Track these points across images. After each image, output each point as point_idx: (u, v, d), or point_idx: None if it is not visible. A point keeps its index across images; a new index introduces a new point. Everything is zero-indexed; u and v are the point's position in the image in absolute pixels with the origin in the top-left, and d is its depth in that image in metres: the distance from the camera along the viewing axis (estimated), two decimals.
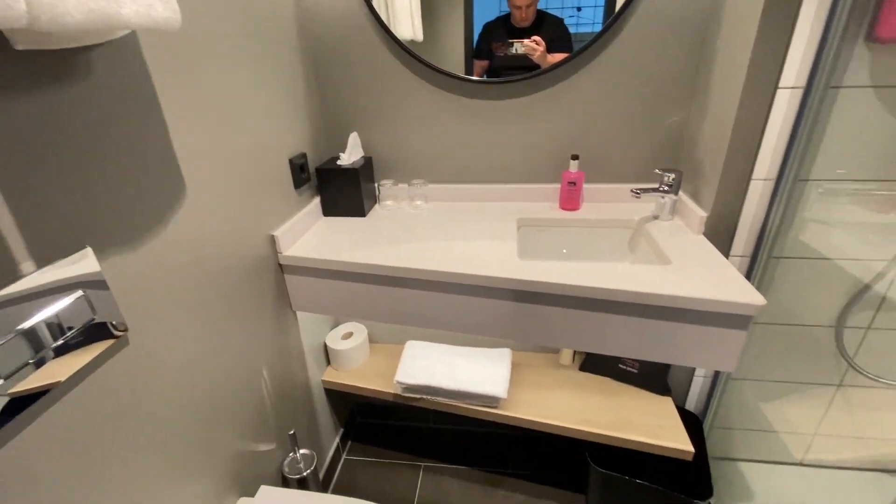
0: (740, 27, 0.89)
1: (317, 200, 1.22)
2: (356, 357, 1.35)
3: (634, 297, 0.85)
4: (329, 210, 1.23)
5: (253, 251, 0.95)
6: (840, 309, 1.08)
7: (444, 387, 1.18)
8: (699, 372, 1.22)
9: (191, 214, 0.76)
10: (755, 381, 1.21)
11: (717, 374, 1.20)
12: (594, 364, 1.28)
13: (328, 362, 1.38)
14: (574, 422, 1.14)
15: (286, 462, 1.09)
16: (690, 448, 1.06)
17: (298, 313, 1.16)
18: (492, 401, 1.18)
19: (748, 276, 1.03)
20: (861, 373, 1.10)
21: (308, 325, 1.23)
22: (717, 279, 0.86)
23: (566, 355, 1.32)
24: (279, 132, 1.03)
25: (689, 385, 1.24)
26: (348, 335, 1.36)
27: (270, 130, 0.99)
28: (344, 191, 1.20)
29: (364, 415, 1.64)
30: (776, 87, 0.87)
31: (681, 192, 1.13)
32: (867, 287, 1.04)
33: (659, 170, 1.07)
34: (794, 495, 1.26)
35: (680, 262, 0.93)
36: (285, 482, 1.09)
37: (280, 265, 1.06)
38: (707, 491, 1.08)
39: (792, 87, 0.86)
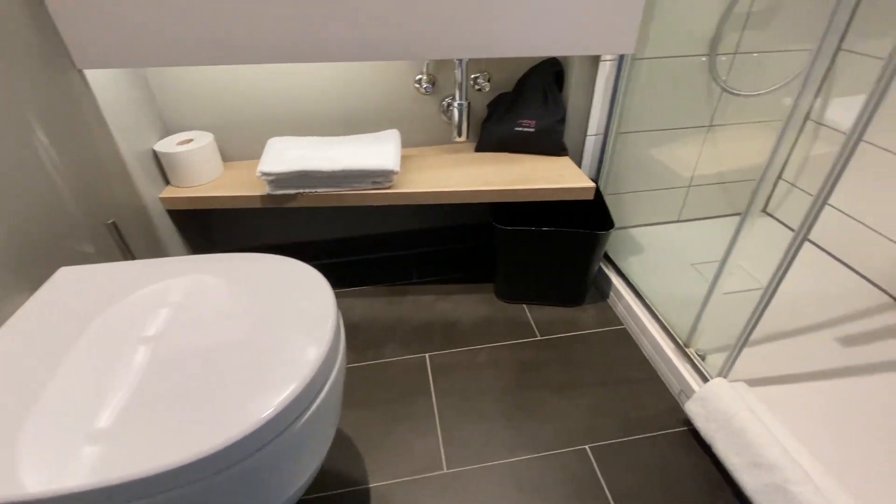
0: None
1: None
2: (202, 167, 1.05)
3: None
4: None
5: None
6: (713, 31, 1.09)
7: (324, 169, 0.97)
8: (591, 131, 1.19)
9: None
10: (640, 132, 1.22)
11: (607, 129, 1.17)
12: (489, 139, 1.17)
13: (167, 182, 1.06)
14: (475, 185, 1.03)
15: None
16: (591, 184, 1.03)
17: (92, 81, 0.82)
18: (383, 177, 1.01)
19: None
20: (731, 92, 1.15)
21: (123, 124, 0.89)
22: None
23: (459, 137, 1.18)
24: None
25: (583, 147, 1.21)
26: (187, 141, 1.05)
27: None
28: None
29: None
30: None
31: None
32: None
33: None
34: (674, 244, 1.36)
35: None
36: None
37: None
38: (609, 224, 1.08)
39: None
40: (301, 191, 1.01)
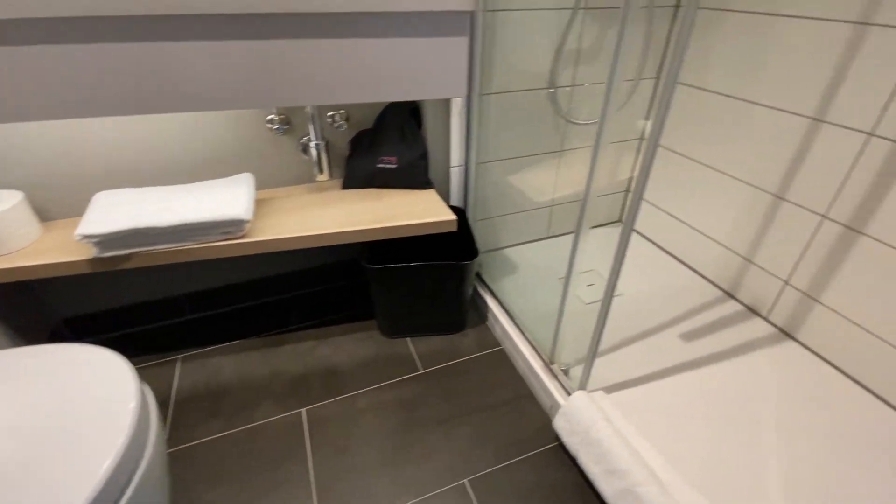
0: None
1: None
2: (9, 232, 0.89)
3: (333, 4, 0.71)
4: None
5: None
6: (550, 68, 1.19)
7: (161, 224, 0.88)
8: (454, 162, 1.23)
9: None
10: (499, 161, 1.29)
11: (467, 157, 1.22)
12: (354, 176, 1.15)
13: None
14: (339, 226, 1.01)
15: None
16: (453, 216, 1.06)
17: None
18: (234, 226, 0.94)
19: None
20: (572, 122, 1.27)
21: None
22: None
23: (321, 175, 1.15)
24: None
25: (449, 178, 1.25)
26: None
27: None
28: None
29: (83, 332, 1.19)
30: None
31: None
32: (565, 39, 1.15)
33: None
34: (543, 261, 1.45)
35: None
36: None
37: None
38: (473, 253, 1.12)
39: None
40: (136, 250, 0.90)
